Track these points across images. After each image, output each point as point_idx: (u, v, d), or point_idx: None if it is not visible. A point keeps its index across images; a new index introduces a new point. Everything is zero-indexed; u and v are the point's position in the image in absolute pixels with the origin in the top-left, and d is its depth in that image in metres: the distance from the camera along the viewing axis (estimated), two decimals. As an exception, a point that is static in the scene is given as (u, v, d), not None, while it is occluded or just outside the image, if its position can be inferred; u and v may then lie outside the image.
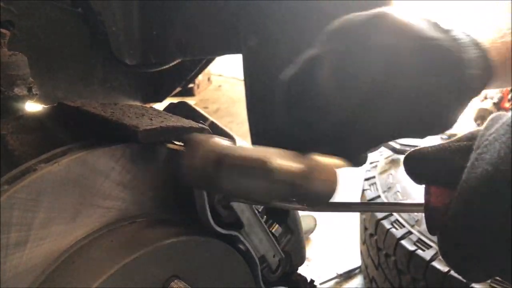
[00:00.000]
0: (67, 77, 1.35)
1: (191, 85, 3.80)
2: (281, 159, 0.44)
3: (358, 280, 1.99)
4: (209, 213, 0.54)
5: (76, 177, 0.47)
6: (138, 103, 1.62)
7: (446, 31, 0.57)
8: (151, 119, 0.50)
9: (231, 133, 0.57)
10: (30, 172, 0.45)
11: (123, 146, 0.50)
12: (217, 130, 0.57)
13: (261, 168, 0.43)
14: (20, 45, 0.99)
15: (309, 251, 2.11)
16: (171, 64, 1.39)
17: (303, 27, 1.17)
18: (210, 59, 1.76)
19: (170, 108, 0.66)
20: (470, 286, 1.26)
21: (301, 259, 0.69)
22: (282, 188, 0.44)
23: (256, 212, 0.60)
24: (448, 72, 0.53)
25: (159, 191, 0.56)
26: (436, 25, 0.58)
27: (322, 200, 0.45)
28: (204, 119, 0.58)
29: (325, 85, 0.51)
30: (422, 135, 0.57)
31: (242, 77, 1.24)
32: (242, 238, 0.58)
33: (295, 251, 0.67)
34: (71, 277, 0.47)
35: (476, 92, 0.57)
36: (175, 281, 0.51)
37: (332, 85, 0.51)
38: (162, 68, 1.39)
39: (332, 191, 0.45)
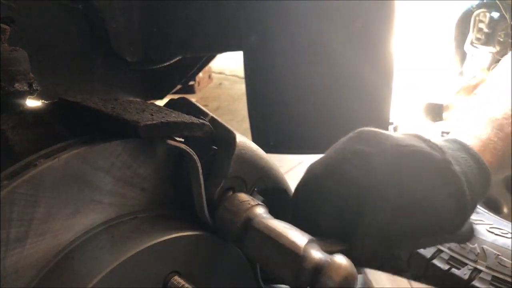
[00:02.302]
0: (67, 74, 1.35)
1: (191, 83, 3.80)
2: (312, 249, 0.49)
3: (359, 279, 1.99)
4: (207, 211, 0.54)
5: (76, 172, 0.47)
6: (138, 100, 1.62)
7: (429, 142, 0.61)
8: (152, 115, 0.50)
9: (231, 128, 0.57)
10: (30, 168, 0.45)
11: (124, 142, 0.50)
12: (217, 125, 0.57)
13: (292, 250, 0.48)
14: (20, 42, 0.99)
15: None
16: (171, 61, 1.39)
17: (303, 25, 1.17)
18: (211, 56, 1.76)
19: (171, 104, 0.65)
20: (471, 284, 1.26)
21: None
22: (305, 276, 0.48)
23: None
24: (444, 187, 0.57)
25: (160, 187, 0.56)
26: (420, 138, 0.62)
27: None
28: (205, 114, 0.58)
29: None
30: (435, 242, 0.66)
31: (242, 74, 1.24)
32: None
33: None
34: (71, 273, 0.47)
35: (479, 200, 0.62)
36: (175, 277, 0.51)
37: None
38: (163, 65, 1.39)
39: None
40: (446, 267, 1.33)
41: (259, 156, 0.59)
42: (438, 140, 0.62)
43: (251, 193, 0.59)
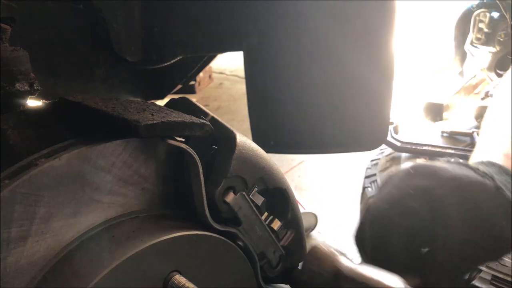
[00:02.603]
0: (68, 74, 1.35)
1: (192, 83, 3.80)
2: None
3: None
4: (207, 211, 0.54)
5: (77, 172, 0.47)
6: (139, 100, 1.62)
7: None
8: (152, 114, 0.50)
9: (232, 128, 0.57)
10: (31, 167, 0.45)
11: (124, 142, 0.50)
12: (217, 125, 0.57)
13: None
14: (21, 42, 0.99)
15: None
16: (172, 61, 1.39)
17: (303, 25, 1.17)
18: (211, 56, 1.76)
19: (171, 104, 0.65)
20: (471, 283, 1.26)
21: (301, 255, 0.69)
22: None
23: (255, 209, 0.60)
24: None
25: (161, 187, 0.56)
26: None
27: None
28: (205, 114, 0.58)
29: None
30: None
31: (243, 74, 1.24)
32: (240, 235, 0.58)
33: (295, 247, 0.67)
34: (72, 272, 0.47)
35: None
36: (176, 276, 0.51)
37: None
38: (163, 64, 1.39)
39: None
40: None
41: (260, 155, 0.59)
42: (482, 166, 0.67)
43: (251, 193, 0.59)
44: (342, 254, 0.58)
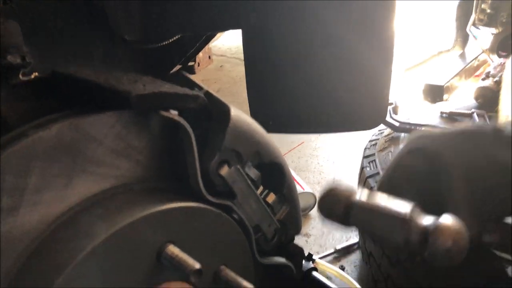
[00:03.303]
0: (65, 54, 1.34)
1: (191, 63, 3.77)
2: (417, 214, 0.51)
3: (356, 255, 2.00)
4: (201, 182, 0.54)
5: (68, 143, 0.47)
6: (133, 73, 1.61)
7: None
8: (144, 85, 0.49)
9: (226, 102, 0.57)
10: (21, 138, 0.45)
11: (117, 113, 0.50)
12: (212, 99, 0.57)
13: (399, 217, 0.50)
14: (17, 20, 0.97)
15: (308, 227, 2.12)
16: (170, 40, 1.37)
17: (303, 6, 1.15)
18: (210, 36, 1.73)
19: (167, 78, 0.65)
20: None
21: (297, 229, 0.69)
22: (415, 240, 0.49)
23: (250, 182, 0.60)
24: None
25: (155, 160, 0.56)
26: None
27: (444, 260, 0.48)
28: (199, 88, 0.57)
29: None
30: None
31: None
32: (235, 208, 0.58)
33: (291, 221, 0.67)
34: (64, 242, 0.47)
35: None
36: (170, 246, 0.51)
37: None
38: (162, 44, 1.38)
39: (453, 253, 0.48)
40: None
41: (255, 130, 0.58)
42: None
43: (246, 166, 0.59)
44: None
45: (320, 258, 1.93)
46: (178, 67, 1.81)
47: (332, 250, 2.02)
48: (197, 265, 0.47)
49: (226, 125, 0.55)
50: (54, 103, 0.55)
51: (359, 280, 1.89)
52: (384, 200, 0.53)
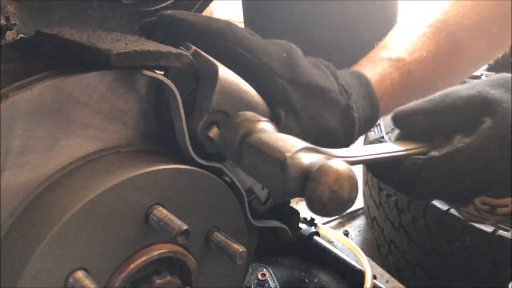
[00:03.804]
0: (62, 18, 1.31)
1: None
2: (303, 155, 0.43)
3: (360, 221, 2.02)
4: (189, 145, 0.53)
5: (51, 104, 0.46)
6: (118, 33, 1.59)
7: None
8: (126, 44, 0.48)
9: (215, 61, 0.55)
10: (1, 99, 0.44)
11: (100, 74, 0.49)
12: (200, 58, 0.55)
13: (278, 159, 0.43)
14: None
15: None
16: (168, 2, 1.34)
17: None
18: (209, -3, 1.69)
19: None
20: (469, 224, 1.27)
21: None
22: (294, 184, 0.43)
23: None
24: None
25: (142, 121, 0.55)
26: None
27: (328, 212, 0.41)
28: (187, 47, 0.55)
29: None
30: None
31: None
32: (226, 170, 0.57)
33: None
34: (51, 203, 0.47)
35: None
36: (158, 208, 0.51)
37: None
38: (160, 6, 1.35)
39: (337, 201, 0.40)
40: (445, 207, 1.34)
41: (244, 90, 0.57)
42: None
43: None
44: (266, 121, 0.52)
45: (325, 223, 1.94)
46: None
47: (336, 215, 2.04)
48: (184, 226, 0.47)
49: (214, 85, 0.53)
50: (39, 64, 0.54)
51: (363, 244, 1.91)
52: (274, 138, 0.47)
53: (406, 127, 0.61)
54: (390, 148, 0.58)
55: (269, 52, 0.61)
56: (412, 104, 0.60)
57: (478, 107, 0.55)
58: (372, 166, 0.62)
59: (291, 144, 0.45)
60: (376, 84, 0.72)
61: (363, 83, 0.72)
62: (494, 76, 0.58)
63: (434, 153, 0.55)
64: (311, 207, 0.41)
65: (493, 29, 0.76)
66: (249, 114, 0.53)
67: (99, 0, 1.35)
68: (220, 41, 0.57)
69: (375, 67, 0.75)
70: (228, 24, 0.60)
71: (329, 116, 0.63)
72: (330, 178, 0.40)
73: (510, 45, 0.81)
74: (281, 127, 0.58)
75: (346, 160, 0.44)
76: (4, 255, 0.45)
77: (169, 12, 0.59)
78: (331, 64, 0.69)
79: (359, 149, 0.56)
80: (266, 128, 0.50)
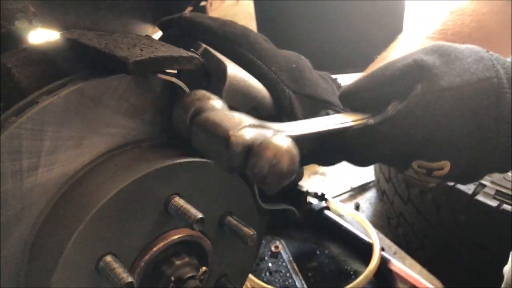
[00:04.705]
0: (75, 3, 1.34)
1: (203, 3, 3.68)
2: (246, 131, 0.45)
3: (371, 193, 2.06)
4: None
5: (76, 107, 0.51)
6: (149, 26, 1.62)
7: None
8: (141, 50, 0.52)
9: (224, 59, 0.59)
10: (33, 105, 0.49)
11: (118, 77, 0.53)
12: (209, 57, 0.59)
13: (222, 136, 0.45)
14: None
15: (325, 167, 2.17)
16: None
17: None
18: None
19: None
20: (474, 198, 1.30)
21: (299, 174, 0.73)
22: (237, 160, 0.44)
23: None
24: None
25: (159, 118, 0.59)
26: None
27: (269, 184, 0.43)
28: (197, 46, 0.59)
29: None
30: None
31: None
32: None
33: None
34: (81, 196, 0.52)
35: None
36: (176, 198, 0.56)
37: None
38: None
39: (276, 174, 0.42)
40: (452, 182, 1.37)
41: (252, 85, 0.61)
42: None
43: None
44: (216, 99, 0.52)
45: (336, 196, 2.00)
46: (189, 9, 1.80)
47: (348, 189, 2.09)
48: (200, 215, 0.52)
49: (223, 83, 0.57)
50: (63, 67, 0.59)
51: (374, 216, 1.97)
52: (221, 116, 0.48)
53: (352, 105, 0.63)
54: (339, 120, 0.60)
55: (279, 61, 0.64)
56: (355, 82, 0.63)
57: (413, 74, 0.57)
58: (322, 140, 0.64)
59: (236, 122, 0.46)
60: None
61: None
62: (430, 43, 0.60)
63: (369, 121, 0.59)
64: (254, 179, 0.44)
65: (492, 36, 0.77)
66: (200, 92, 0.54)
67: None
68: (234, 46, 0.61)
69: None
70: (244, 30, 0.64)
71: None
72: (269, 153, 0.42)
73: (510, 51, 0.82)
74: None
75: (293, 135, 0.47)
76: (42, 243, 0.51)
77: (188, 14, 0.62)
78: (337, 79, 0.72)
79: (307, 123, 0.57)
80: (216, 106, 0.51)
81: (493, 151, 0.56)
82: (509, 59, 0.57)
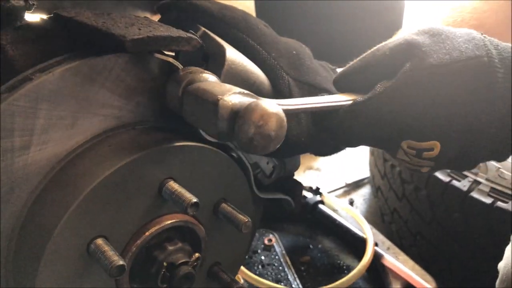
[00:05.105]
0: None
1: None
2: (233, 96, 0.45)
3: (365, 190, 2.07)
4: None
5: (70, 86, 0.50)
6: (147, 14, 1.60)
7: None
8: (139, 29, 0.51)
9: (223, 43, 0.58)
10: (26, 81, 0.48)
11: (115, 56, 0.52)
12: (208, 40, 0.58)
13: (211, 101, 0.45)
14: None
15: (320, 162, 2.18)
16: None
17: None
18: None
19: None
20: (469, 195, 1.31)
21: (295, 165, 0.73)
22: (223, 124, 0.44)
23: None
24: None
25: (155, 101, 0.58)
26: None
27: (255, 147, 0.43)
28: (196, 28, 0.58)
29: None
30: None
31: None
32: (232, 146, 0.61)
33: (289, 158, 0.70)
34: (73, 177, 0.51)
35: None
36: (170, 182, 0.55)
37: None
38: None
39: (262, 136, 0.42)
40: (447, 179, 1.37)
41: (250, 71, 0.60)
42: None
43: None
44: (208, 73, 0.53)
45: (331, 192, 2.00)
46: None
47: (343, 184, 2.08)
48: (194, 199, 0.51)
49: (222, 66, 0.56)
50: (58, 45, 0.58)
51: (368, 212, 1.97)
52: (212, 85, 0.48)
53: (346, 88, 0.63)
54: (331, 99, 0.59)
55: (279, 48, 0.63)
56: (347, 66, 0.63)
57: (403, 53, 0.57)
58: (315, 120, 0.63)
59: (226, 89, 0.46)
60: None
61: None
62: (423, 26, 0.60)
63: (358, 99, 0.58)
64: (240, 143, 0.44)
65: (492, 35, 0.78)
66: (194, 67, 0.54)
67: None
68: (233, 31, 0.60)
69: None
70: (244, 15, 0.62)
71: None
72: (256, 114, 0.42)
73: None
74: None
75: (284, 108, 0.46)
76: (32, 223, 0.50)
77: None
78: (336, 68, 0.71)
79: (299, 100, 0.57)
80: (208, 79, 0.52)
81: (485, 132, 0.55)
82: (506, 43, 0.57)
